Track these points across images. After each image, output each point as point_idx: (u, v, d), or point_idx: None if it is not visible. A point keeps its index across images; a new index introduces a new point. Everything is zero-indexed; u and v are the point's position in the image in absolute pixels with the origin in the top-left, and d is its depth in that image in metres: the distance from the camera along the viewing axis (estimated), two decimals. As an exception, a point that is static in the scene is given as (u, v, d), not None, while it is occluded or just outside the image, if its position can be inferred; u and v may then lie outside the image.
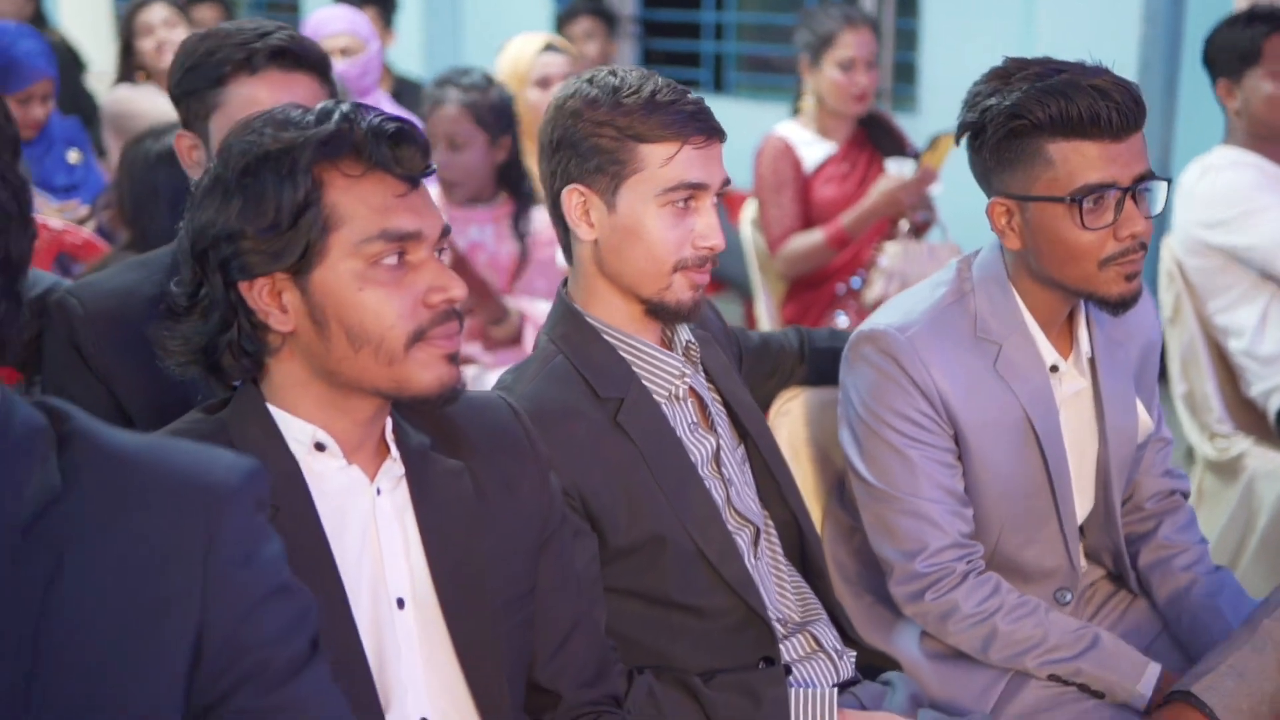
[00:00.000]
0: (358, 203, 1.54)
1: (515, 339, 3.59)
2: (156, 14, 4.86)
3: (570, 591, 1.78)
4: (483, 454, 1.71)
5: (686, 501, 1.96)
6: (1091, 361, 2.18)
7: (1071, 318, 2.17)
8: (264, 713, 1.20)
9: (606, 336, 2.00)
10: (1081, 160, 1.99)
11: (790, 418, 2.38)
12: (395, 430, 1.66)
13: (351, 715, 1.27)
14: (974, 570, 2.12)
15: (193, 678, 1.18)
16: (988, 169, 2.08)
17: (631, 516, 1.93)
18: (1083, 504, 2.22)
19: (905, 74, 5.91)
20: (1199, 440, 3.56)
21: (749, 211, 4.24)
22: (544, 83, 4.05)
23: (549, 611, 1.75)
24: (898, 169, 3.90)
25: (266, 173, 1.53)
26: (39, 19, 5.79)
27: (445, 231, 1.59)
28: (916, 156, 3.99)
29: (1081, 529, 2.25)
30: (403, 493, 1.64)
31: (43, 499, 1.15)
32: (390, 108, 4.54)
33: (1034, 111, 1.98)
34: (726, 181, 1.99)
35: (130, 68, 4.83)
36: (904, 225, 3.98)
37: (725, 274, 4.86)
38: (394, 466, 1.64)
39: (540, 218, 3.70)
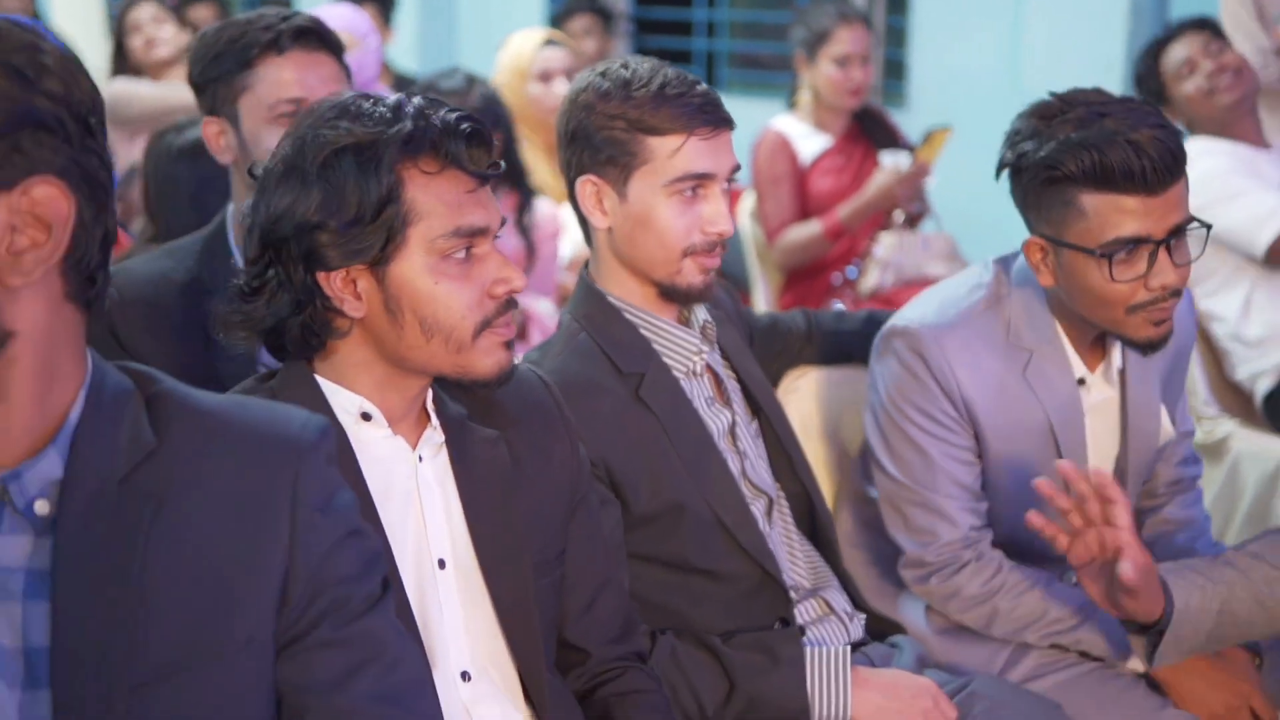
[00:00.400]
0: (434, 199, 1.60)
1: (520, 335, 3.68)
2: (145, 11, 4.94)
3: (598, 554, 1.87)
4: (517, 424, 1.79)
5: (704, 472, 2.05)
6: (1121, 372, 2.22)
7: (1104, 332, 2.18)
8: (342, 643, 1.30)
9: (627, 315, 2.09)
10: (1115, 213, 1.98)
11: (798, 395, 2.48)
12: (435, 401, 1.75)
13: (415, 648, 1.37)
14: (979, 556, 2.20)
15: (280, 612, 1.28)
16: (1025, 206, 2.09)
17: (653, 486, 2.03)
18: None
19: (895, 70, 6.01)
20: (1186, 423, 3.67)
21: (747, 204, 4.34)
22: (545, 77, 4.14)
23: (578, 573, 1.84)
24: (893, 162, 4.01)
25: (348, 167, 1.58)
26: (33, 17, 5.86)
27: (502, 224, 1.68)
28: (911, 150, 4.10)
29: None
30: (443, 460, 1.73)
31: (138, 453, 1.25)
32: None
33: (1067, 164, 1.98)
34: (736, 168, 2.09)
35: (123, 66, 4.91)
36: (899, 217, 4.09)
37: (722, 265, 4.95)
38: (434, 435, 1.73)
39: (541, 210, 3.79)
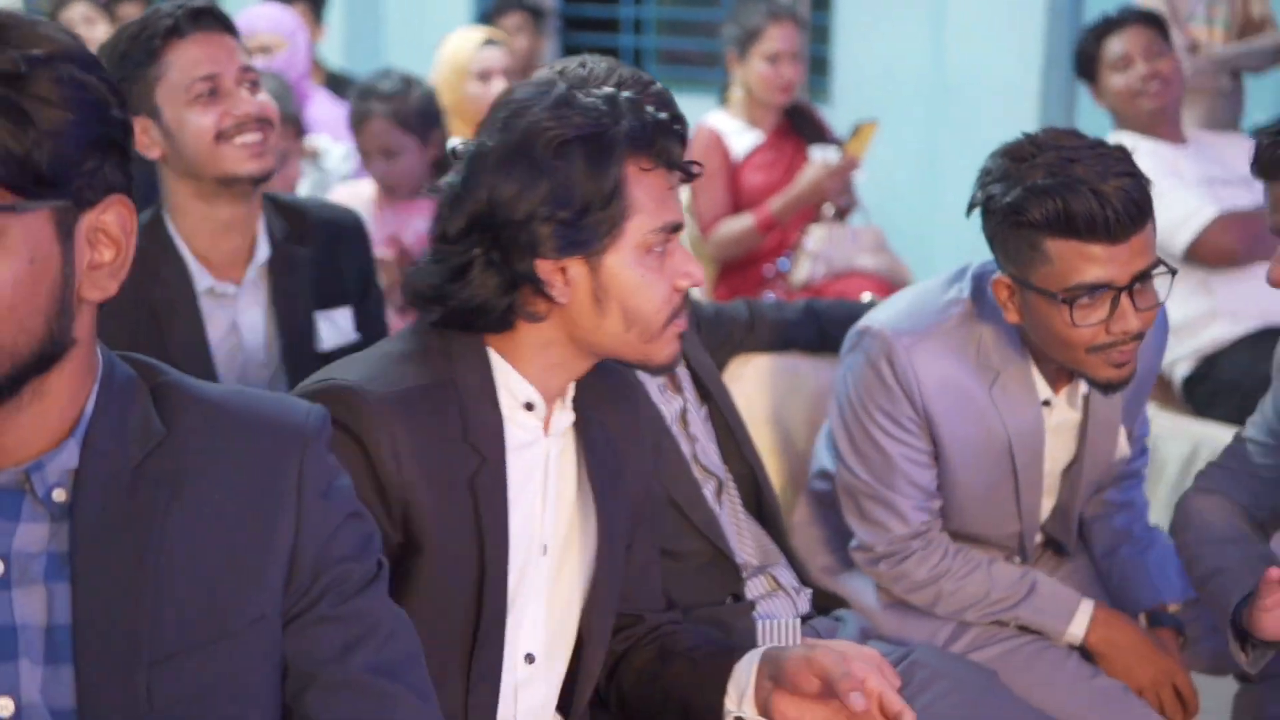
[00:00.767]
0: (646, 195, 1.64)
1: None
2: (77, 11, 4.93)
3: (657, 523, 1.94)
4: (611, 405, 1.84)
5: (660, 454, 2.13)
6: (1086, 397, 2.27)
7: None
8: (341, 619, 1.36)
9: (584, 305, 2.17)
10: (1078, 260, 2.01)
11: (743, 381, 2.57)
12: None
13: (408, 623, 1.44)
14: (928, 544, 2.29)
15: (287, 591, 1.34)
16: (993, 246, 2.12)
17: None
18: (1046, 505, 2.38)
19: (819, 67, 6.12)
20: (1108, 407, 3.80)
21: (681, 198, 4.42)
22: (484, 76, 4.19)
23: (639, 544, 1.88)
24: (822, 156, 4.11)
25: (579, 158, 1.61)
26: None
27: None
28: (839, 145, 4.21)
29: None
30: (568, 442, 1.78)
31: (150, 442, 1.31)
32: (329, 102, 4.66)
33: (1032, 211, 2.00)
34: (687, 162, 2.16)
35: None
36: (828, 210, 4.20)
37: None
38: (564, 418, 1.76)
39: None
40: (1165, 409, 3.72)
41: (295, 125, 3.66)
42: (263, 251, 2.43)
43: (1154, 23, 3.84)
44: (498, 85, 4.15)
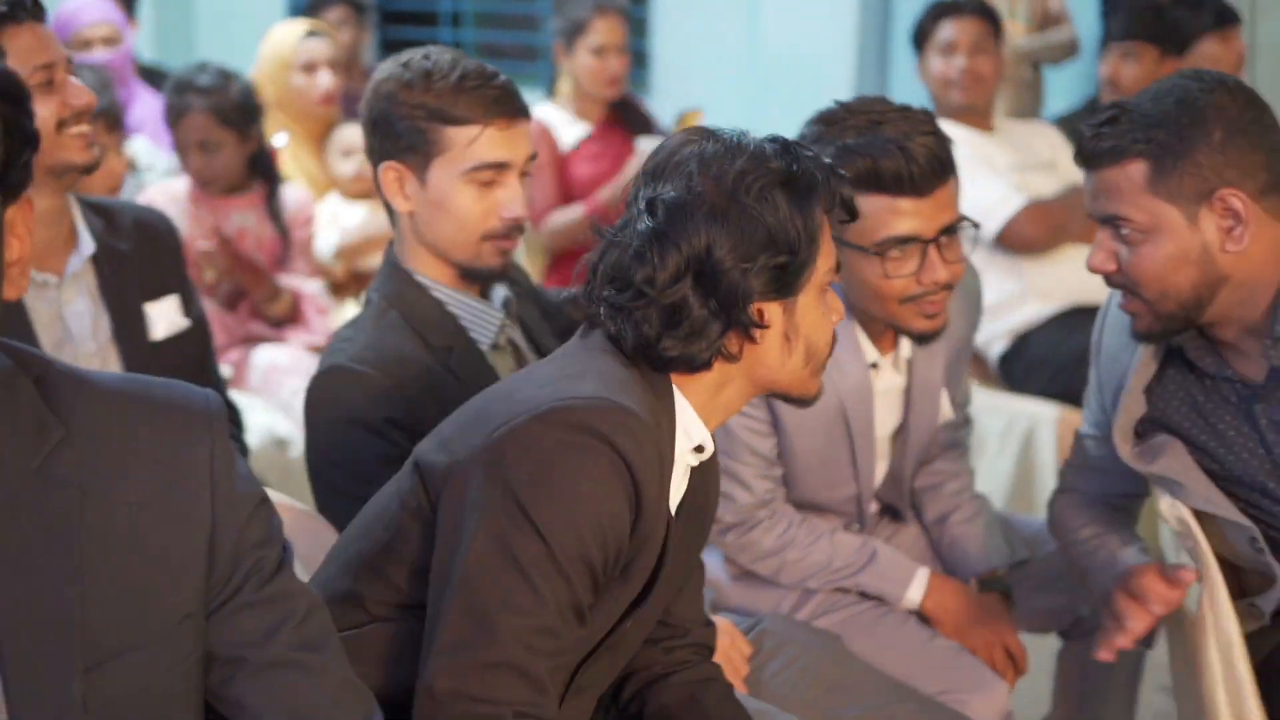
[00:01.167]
0: (824, 238, 1.70)
1: (293, 316, 3.73)
2: None
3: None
4: None
5: None
6: (909, 361, 2.39)
7: None
8: (262, 603, 1.38)
9: (434, 293, 2.20)
10: (888, 214, 2.15)
11: (589, 366, 2.63)
12: None
13: (321, 600, 1.46)
14: (773, 514, 2.37)
15: (209, 583, 1.34)
16: None
17: (466, 452, 2.14)
18: (880, 470, 2.47)
19: (638, 59, 6.20)
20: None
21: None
22: (309, 68, 4.17)
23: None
24: (649, 146, 4.18)
25: (785, 203, 1.64)
26: None
27: None
28: (666, 134, 4.28)
29: None
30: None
31: (47, 442, 1.28)
32: (150, 96, 4.59)
33: (846, 169, 2.06)
34: (532, 156, 2.22)
35: None
36: (656, 199, 4.26)
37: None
38: (691, 456, 1.76)
39: (292, 197, 3.84)
40: (983, 386, 3.88)
41: (116, 119, 3.60)
42: (87, 245, 2.40)
43: (990, 19, 4.01)
44: (324, 78, 4.13)
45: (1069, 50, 5.08)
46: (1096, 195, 1.99)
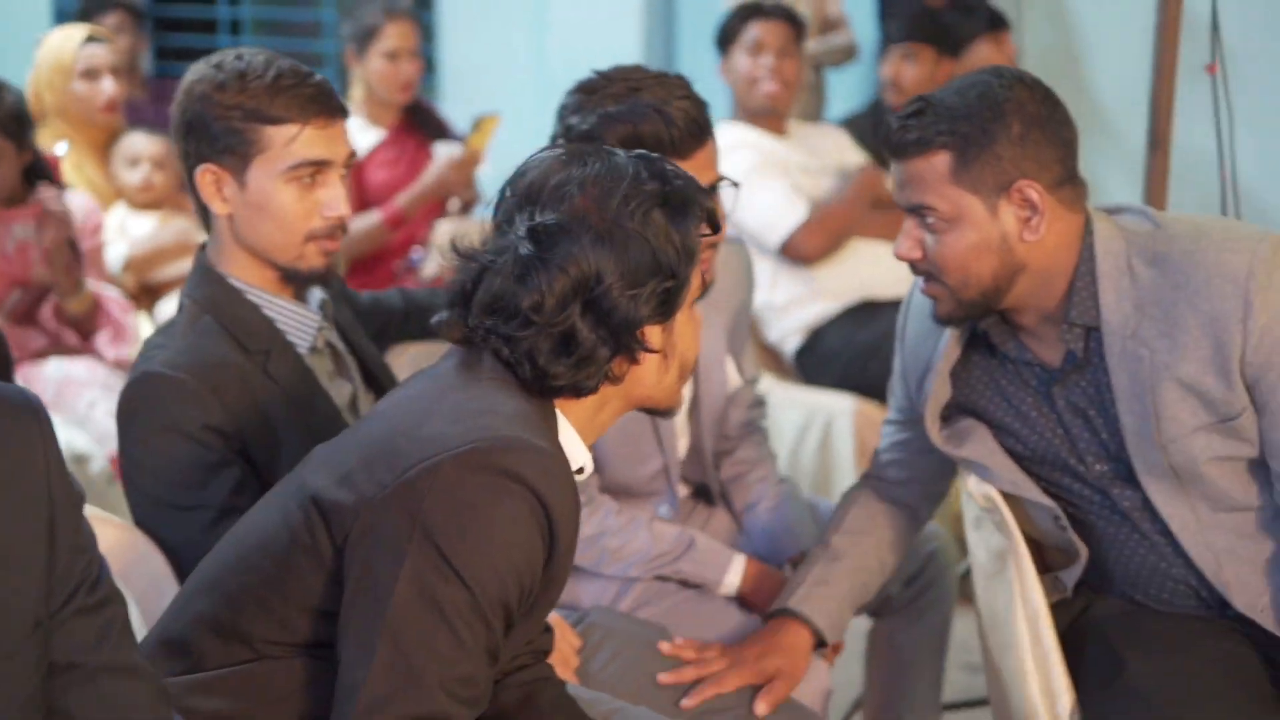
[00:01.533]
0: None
1: (92, 317, 3.57)
2: None
3: None
4: None
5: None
6: None
7: None
8: (94, 607, 1.35)
9: (249, 297, 2.17)
10: None
11: (403, 368, 2.60)
12: None
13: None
14: (587, 500, 2.39)
15: (51, 588, 1.31)
16: None
17: (287, 455, 2.11)
18: (682, 443, 2.52)
19: (427, 65, 6.17)
20: (728, 381, 4.04)
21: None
22: (90, 74, 4.03)
23: None
24: (446, 152, 4.18)
25: (665, 222, 1.64)
26: None
27: None
28: (462, 140, 4.29)
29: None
30: None
31: None
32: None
33: (606, 135, 2.18)
34: (352, 155, 2.21)
35: None
36: (454, 204, 4.27)
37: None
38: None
39: (78, 206, 3.72)
40: (781, 381, 3.98)
41: None
42: None
43: (795, 23, 4.11)
44: (106, 84, 4.02)
45: (849, 54, 5.24)
46: (903, 185, 2.07)
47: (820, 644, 2.30)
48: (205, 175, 2.13)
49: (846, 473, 3.74)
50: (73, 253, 3.47)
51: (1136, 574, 2.17)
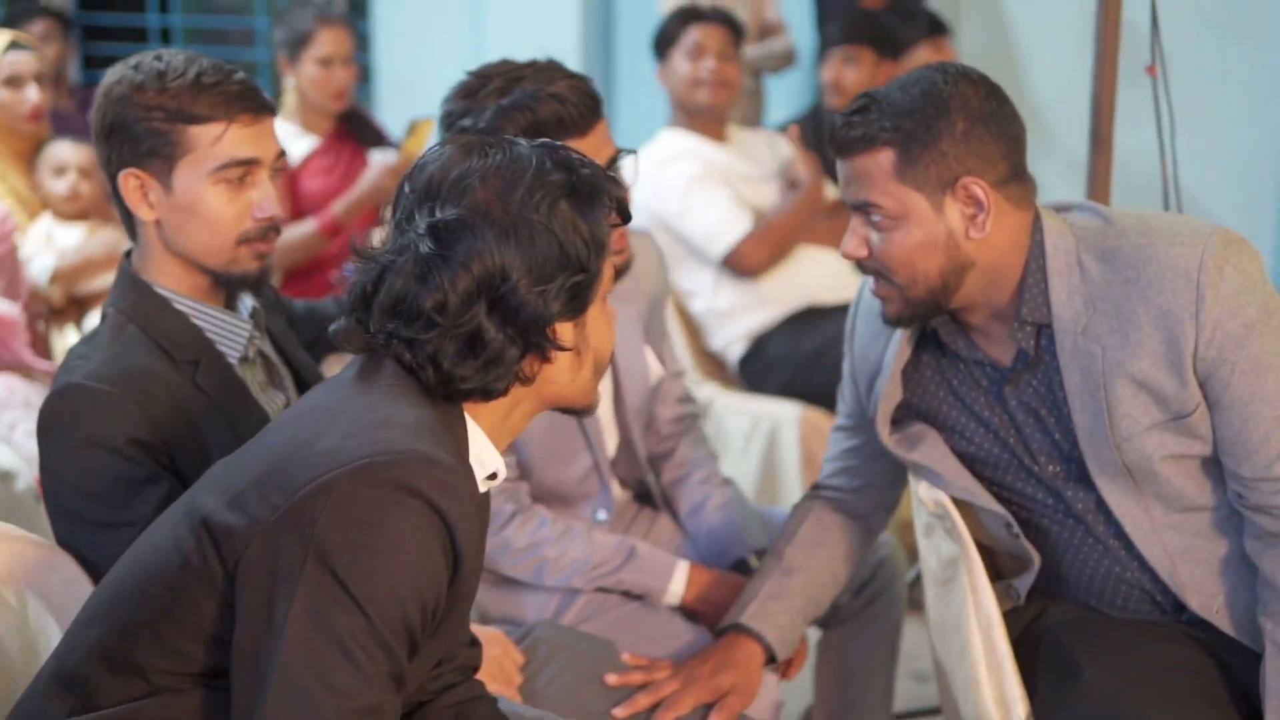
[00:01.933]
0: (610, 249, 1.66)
1: None
2: None
3: None
4: None
5: None
6: None
7: None
8: None
9: (177, 305, 2.10)
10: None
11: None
12: None
13: None
14: (521, 509, 2.34)
15: None
16: None
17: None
18: (610, 440, 2.48)
19: (361, 73, 6.11)
20: (671, 390, 3.99)
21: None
22: (14, 81, 3.93)
23: None
24: (382, 158, 4.11)
25: (572, 215, 1.58)
26: None
27: None
28: (397, 146, 4.21)
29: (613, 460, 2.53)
30: None
31: None
32: None
33: (507, 127, 2.15)
34: (281, 154, 2.14)
35: None
36: (390, 212, 4.18)
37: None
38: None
39: None
40: (726, 389, 3.94)
41: None
42: None
43: (735, 30, 4.07)
44: (31, 92, 3.91)
45: (788, 59, 5.21)
46: (849, 182, 2.03)
47: (771, 659, 2.26)
48: (129, 180, 2.05)
49: (792, 481, 3.70)
50: None
51: (1090, 579, 2.14)
